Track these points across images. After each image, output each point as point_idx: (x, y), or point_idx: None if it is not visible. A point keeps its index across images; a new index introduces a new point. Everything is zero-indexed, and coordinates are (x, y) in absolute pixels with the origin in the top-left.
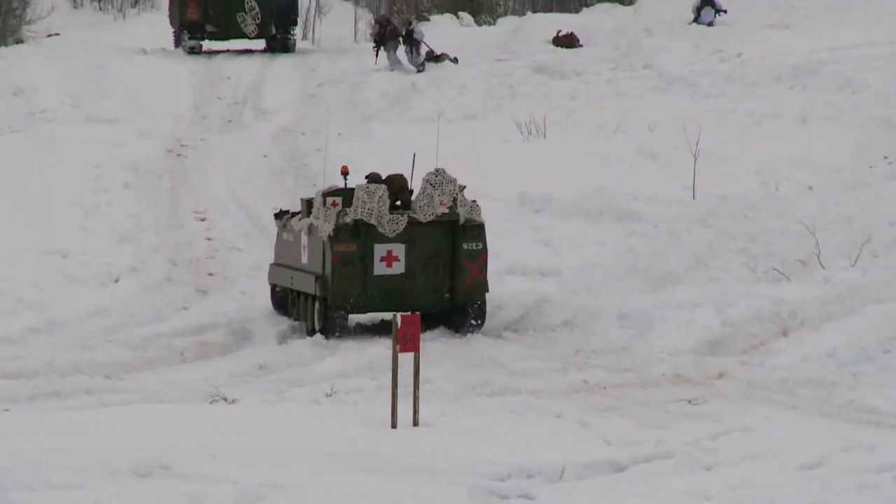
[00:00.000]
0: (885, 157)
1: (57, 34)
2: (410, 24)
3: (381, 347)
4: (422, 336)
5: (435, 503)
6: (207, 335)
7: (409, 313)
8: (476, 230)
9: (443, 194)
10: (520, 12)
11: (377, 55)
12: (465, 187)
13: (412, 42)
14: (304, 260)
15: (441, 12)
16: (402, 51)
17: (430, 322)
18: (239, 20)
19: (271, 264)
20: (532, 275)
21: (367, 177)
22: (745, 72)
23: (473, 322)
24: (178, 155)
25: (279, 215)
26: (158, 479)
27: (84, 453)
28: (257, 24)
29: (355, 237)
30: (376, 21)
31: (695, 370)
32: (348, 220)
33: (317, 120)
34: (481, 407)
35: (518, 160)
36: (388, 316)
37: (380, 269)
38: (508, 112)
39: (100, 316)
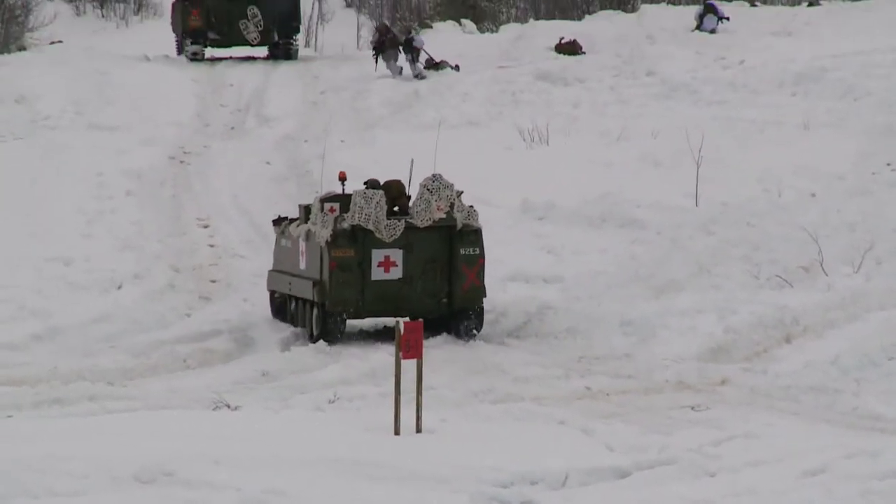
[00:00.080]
0: (888, 164)
1: (60, 41)
2: (410, 32)
3: (383, 354)
4: (424, 342)
5: None
6: (210, 342)
7: (407, 319)
8: (473, 235)
9: (440, 199)
10: (522, 19)
11: (376, 63)
12: (462, 192)
13: (412, 50)
14: (303, 266)
15: (444, 19)
16: (402, 59)
17: (428, 327)
18: (241, 27)
19: (270, 271)
20: (535, 282)
21: (365, 183)
22: (747, 79)
23: (471, 327)
24: (181, 162)
25: (278, 222)
26: (161, 486)
27: (87, 460)
28: (260, 32)
29: (353, 242)
30: (376, 29)
31: (698, 377)
32: (346, 225)
33: (319, 127)
34: (484, 414)
35: (521, 167)
36: (390, 322)
37: (377, 274)
38: (511, 119)
39: (103, 323)
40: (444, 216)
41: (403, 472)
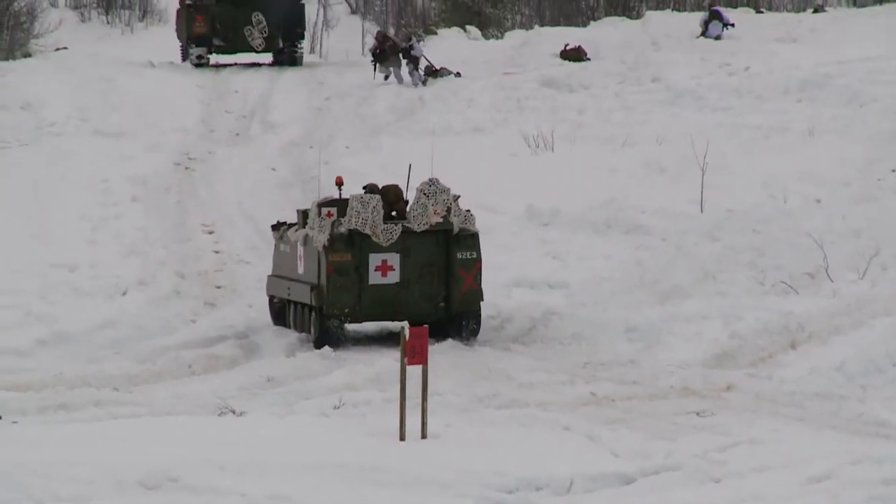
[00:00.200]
0: (893, 171)
1: (65, 48)
2: (410, 39)
3: (388, 360)
4: (429, 348)
5: None
6: (215, 348)
7: (406, 322)
8: (470, 239)
9: (437, 204)
10: (527, 26)
11: (375, 70)
12: (458, 197)
13: (412, 58)
14: (301, 270)
15: (448, 26)
16: (404, 66)
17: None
18: (246, 34)
19: (269, 276)
20: (540, 287)
21: (364, 187)
22: (752, 85)
23: (469, 330)
24: (186, 168)
25: (276, 227)
26: (166, 492)
27: (92, 465)
28: (264, 38)
29: (350, 247)
30: (375, 38)
31: (703, 383)
32: (343, 230)
33: (324, 133)
34: (489, 419)
35: (526, 173)
36: (395, 327)
37: (375, 278)
38: (516, 125)
39: (108, 328)
40: (440, 220)
41: (408, 477)
